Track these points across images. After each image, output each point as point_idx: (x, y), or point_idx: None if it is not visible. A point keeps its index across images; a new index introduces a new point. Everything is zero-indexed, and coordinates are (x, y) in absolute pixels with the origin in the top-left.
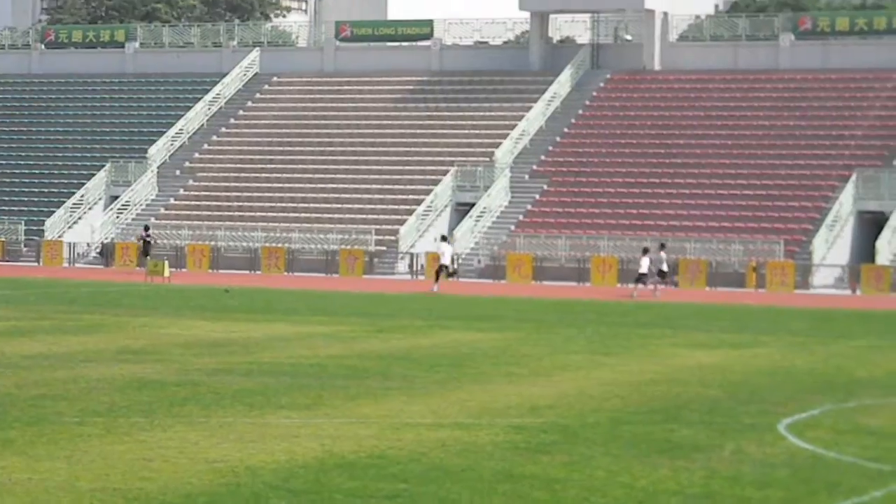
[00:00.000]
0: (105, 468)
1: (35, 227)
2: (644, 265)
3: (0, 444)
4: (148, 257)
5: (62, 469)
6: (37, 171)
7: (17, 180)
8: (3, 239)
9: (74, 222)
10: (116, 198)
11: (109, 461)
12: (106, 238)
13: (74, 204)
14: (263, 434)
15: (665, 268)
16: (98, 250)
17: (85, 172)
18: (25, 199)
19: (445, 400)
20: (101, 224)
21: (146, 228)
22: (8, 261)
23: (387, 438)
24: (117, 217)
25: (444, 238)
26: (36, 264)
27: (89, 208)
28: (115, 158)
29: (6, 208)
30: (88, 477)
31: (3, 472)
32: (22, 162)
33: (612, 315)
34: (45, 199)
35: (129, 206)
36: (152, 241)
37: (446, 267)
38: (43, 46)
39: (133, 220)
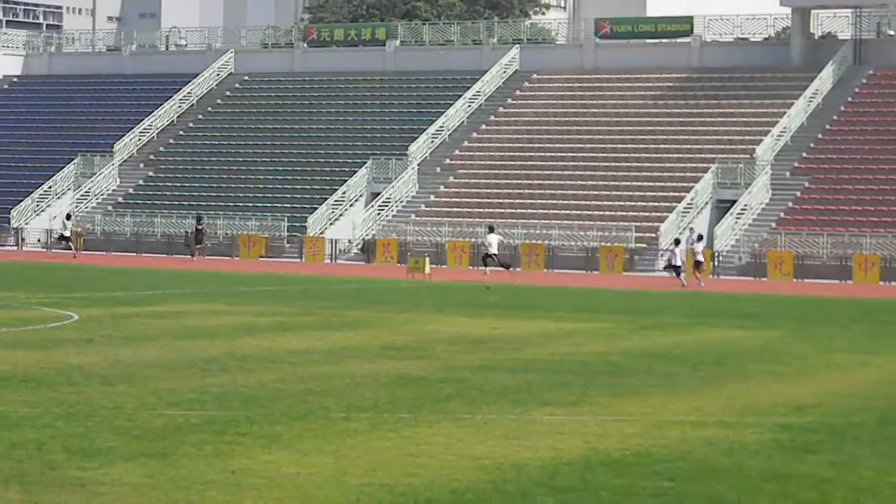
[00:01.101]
0: (372, 463)
1: (298, 224)
2: (678, 255)
3: (268, 439)
4: (199, 245)
5: (330, 464)
6: (299, 169)
7: (279, 177)
8: (266, 235)
9: (336, 219)
10: (377, 194)
11: (376, 456)
12: (367, 234)
13: (336, 201)
14: (528, 431)
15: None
16: (359, 247)
17: (346, 169)
18: (288, 195)
19: (709, 398)
20: (363, 221)
21: (199, 219)
22: (271, 257)
23: (651, 436)
24: (378, 214)
25: (491, 229)
26: (299, 260)
27: (351, 205)
28: (377, 155)
29: (269, 205)
30: (356, 472)
31: (271, 466)
32: (285, 159)
33: (875, 313)
34: (308, 196)
35: (389, 202)
36: (204, 230)
37: (494, 256)
38: (305, 45)
39: (394, 216)
